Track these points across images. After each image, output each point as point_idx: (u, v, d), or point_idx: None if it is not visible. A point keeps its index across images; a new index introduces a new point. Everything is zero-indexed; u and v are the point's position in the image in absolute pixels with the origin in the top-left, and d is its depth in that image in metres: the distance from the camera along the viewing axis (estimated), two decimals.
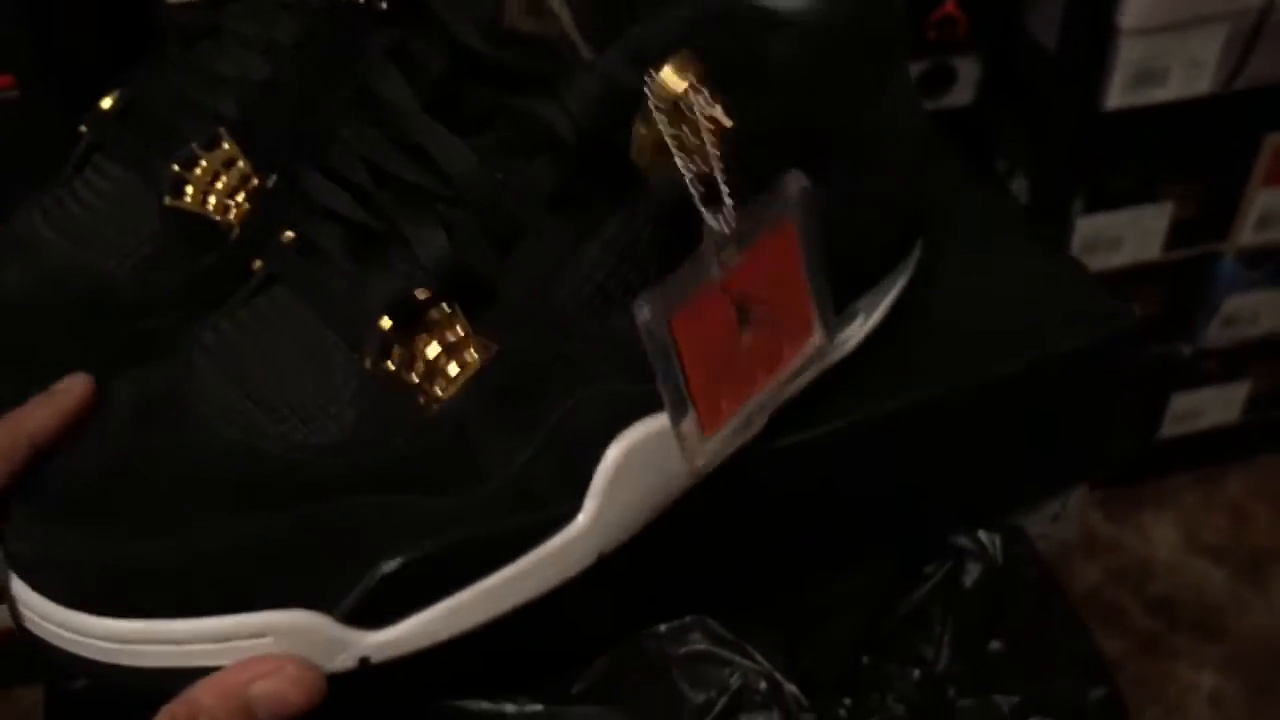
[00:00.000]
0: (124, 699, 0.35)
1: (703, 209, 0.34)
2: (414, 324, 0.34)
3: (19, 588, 0.34)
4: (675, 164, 0.33)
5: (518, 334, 0.35)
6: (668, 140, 0.33)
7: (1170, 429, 1.21)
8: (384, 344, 0.34)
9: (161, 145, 0.41)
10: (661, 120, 0.33)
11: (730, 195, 0.34)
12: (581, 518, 0.37)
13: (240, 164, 0.41)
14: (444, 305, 0.35)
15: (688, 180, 0.34)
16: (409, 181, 0.35)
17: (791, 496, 0.45)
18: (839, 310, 0.42)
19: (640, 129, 0.34)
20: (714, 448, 0.37)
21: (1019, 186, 1.05)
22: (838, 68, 0.38)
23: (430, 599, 0.35)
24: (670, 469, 0.38)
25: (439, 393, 0.35)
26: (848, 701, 0.46)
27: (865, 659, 0.47)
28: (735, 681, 0.42)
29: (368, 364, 0.34)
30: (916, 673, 0.47)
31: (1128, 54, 0.92)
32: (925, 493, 0.48)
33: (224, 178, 0.41)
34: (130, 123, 0.42)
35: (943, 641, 0.47)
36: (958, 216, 0.50)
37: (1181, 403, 1.19)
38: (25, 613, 0.34)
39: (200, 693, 0.33)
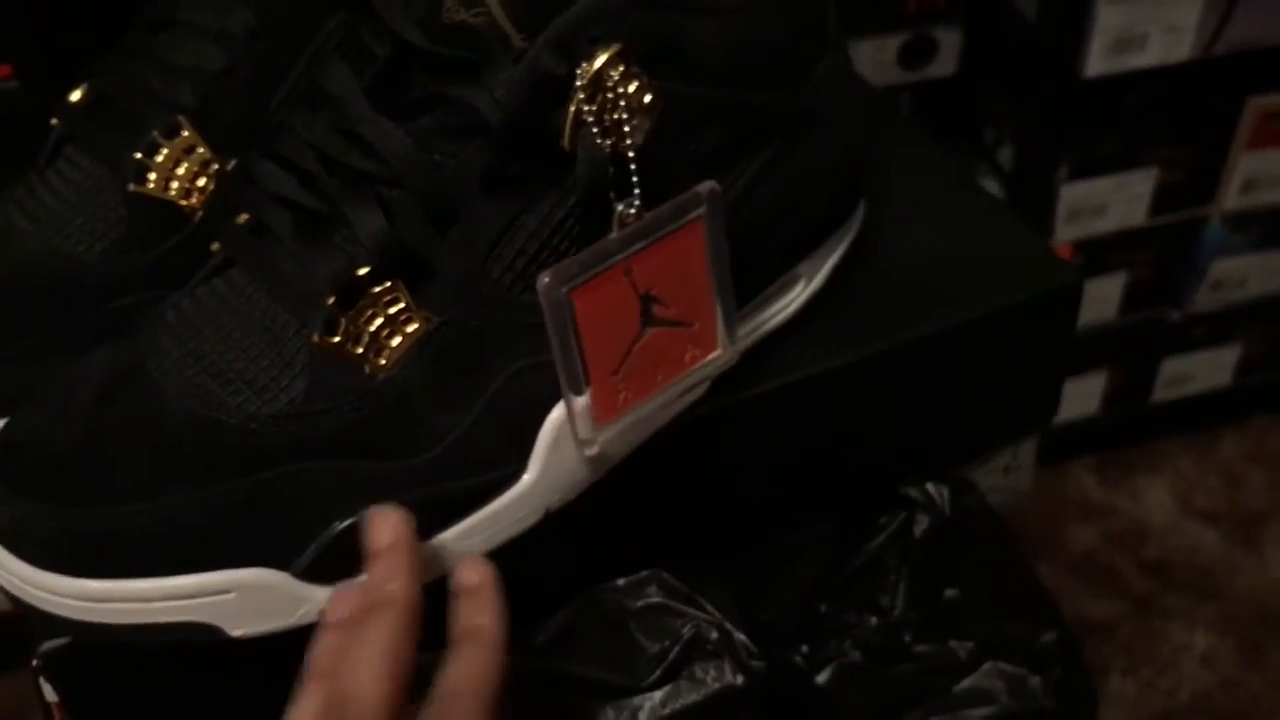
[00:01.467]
0: (107, 651, 0.38)
1: (611, 193, 0.36)
2: (357, 300, 0.36)
3: (2, 556, 0.36)
4: (599, 145, 0.35)
5: (456, 307, 0.37)
6: (586, 118, 0.35)
7: (1162, 393, 1.21)
8: (329, 319, 0.36)
9: (126, 135, 0.43)
10: (581, 100, 0.35)
11: (639, 182, 0.36)
12: (526, 478, 0.39)
13: (200, 150, 0.43)
14: (386, 281, 0.36)
15: (602, 162, 0.36)
16: (352, 167, 0.37)
17: (743, 452, 0.46)
18: (780, 275, 0.44)
19: (568, 111, 0.36)
20: (607, 437, 0.39)
21: (1005, 156, 1.06)
22: (761, 49, 0.40)
23: None
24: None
25: (383, 363, 0.37)
26: (805, 649, 0.48)
27: (823, 607, 0.49)
28: (688, 632, 0.44)
29: (315, 338, 0.36)
30: (873, 620, 0.49)
31: (1106, 20, 0.92)
32: (875, 446, 0.50)
33: (185, 164, 0.43)
34: (97, 114, 0.44)
35: (898, 590, 0.49)
36: (906, 181, 0.51)
37: (1173, 367, 1.19)
38: (8, 578, 0.36)
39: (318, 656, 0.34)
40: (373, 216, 0.36)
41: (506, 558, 0.39)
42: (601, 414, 0.38)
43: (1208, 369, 1.21)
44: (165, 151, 0.42)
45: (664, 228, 0.37)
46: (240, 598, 0.36)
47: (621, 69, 0.35)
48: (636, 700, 0.43)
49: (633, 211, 0.36)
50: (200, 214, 0.43)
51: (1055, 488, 1.21)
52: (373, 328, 0.36)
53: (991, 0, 1.00)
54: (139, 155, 0.42)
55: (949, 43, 0.98)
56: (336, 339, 0.36)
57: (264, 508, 0.36)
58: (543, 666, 0.44)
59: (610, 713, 0.43)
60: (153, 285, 0.42)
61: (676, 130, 0.37)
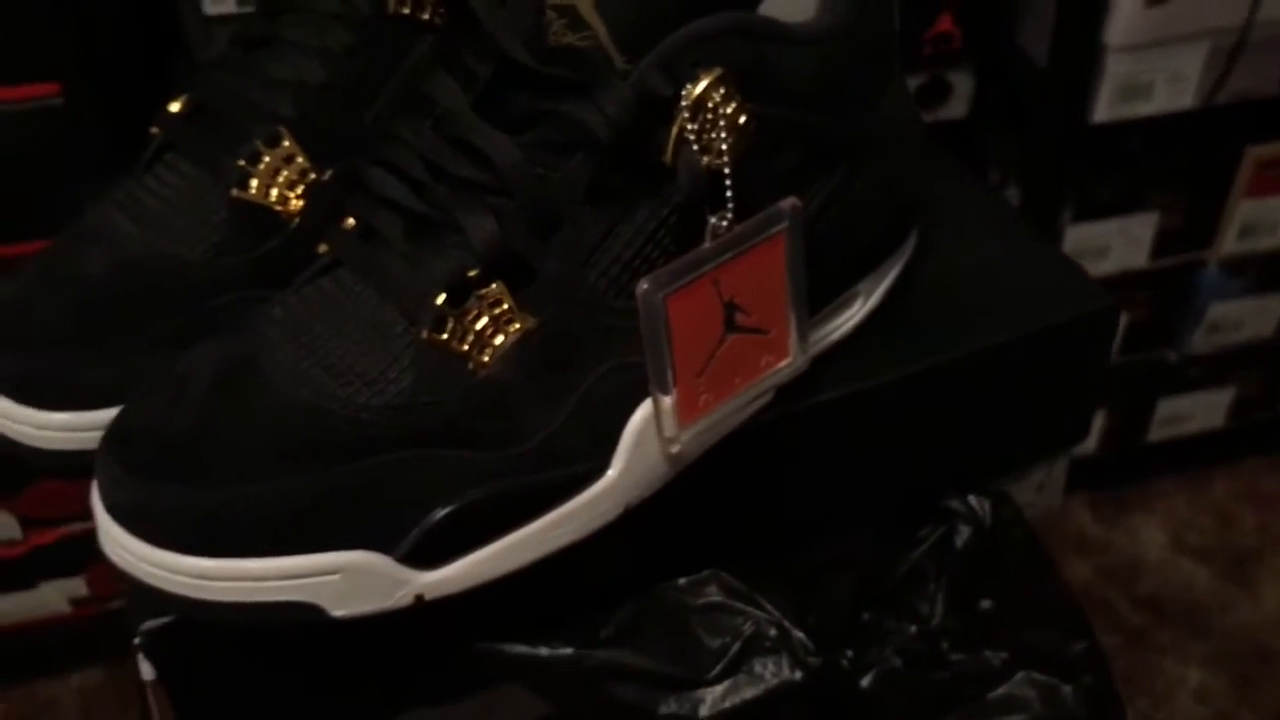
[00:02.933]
0: (206, 631, 0.40)
1: (705, 206, 0.39)
2: (464, 300, 0.39)
3: (119, 534, 0.38)
4: (698, 161, 0.38)
5: (555, 309, 0.39)
6: (689, 135, 0.37)
7: (1158, 433, 1.23)
8: (439, 318, 0.38)
9: (227, 143, 0.45)
10: (685, 119, 0.37)
11: (733, 197, 0.39)
12: (610, 473, 0.41)
13: (299, 159, 0.45)
14: (491, 284, 0.39)
15: (701, 176, 0.38)
16: (460, 175, 0.39)
17: (798, 462, 0.49)
18: (843, 291, 0.47)
19: (671, 129, 0.38)
20: (688, 436, 0.41)
21: (1010, 196, 1.07)
22: (839, 76, 0.42)
23: (477, 543, 0.39)
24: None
25: (486, 360, 0.39)
26: (850, 653, 0.50)
27: (866, 615, 0.51)
28: (748, 629, 0.46)
29: (424, 335, 0.38)
30: (913, 628, 0.51)
31: (1114, 69, 0.95)
32: (920, 459, 0.52)
33: (284, 172, 0.45)
34: (198, 123, 0.46)
35: (937, 599, 0.51)
36: (950, 209, 0.54)
37: (1168, 407, 1.21)
38: (124, 556, 0.38)
39: None
40: (484, 222, 0.38)
41: (581, 553, 0.42)
42: (685, 414, 0.40)
43: (1203, 410, 1.23)
44: (267, 159, 0.45)
45: (751, 240, 0.40)
46: (345, 579, 0.38)
47: (722, 91, 0.37)
48: (698, 693, 0.45)
49: (725, 224, 0.39)
50: (297, 219, 0.45)
51: (1052, 523, 1.23)
52: (478, 326, 0.39)
53: (1003, 46, 1.03)
54: (242, 162, 0.45)
55: (962, 86, 1.00)
56: (444, 336, 0.38)
57: (370, 494, 0.38)
58: (609, 658, 0.46)
59: (674, 704, 0.45)
60: (250, 286, 0.44)
61: (764, 149, 0.40)
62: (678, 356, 0.39)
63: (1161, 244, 1.10)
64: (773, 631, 0.46)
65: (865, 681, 0.50)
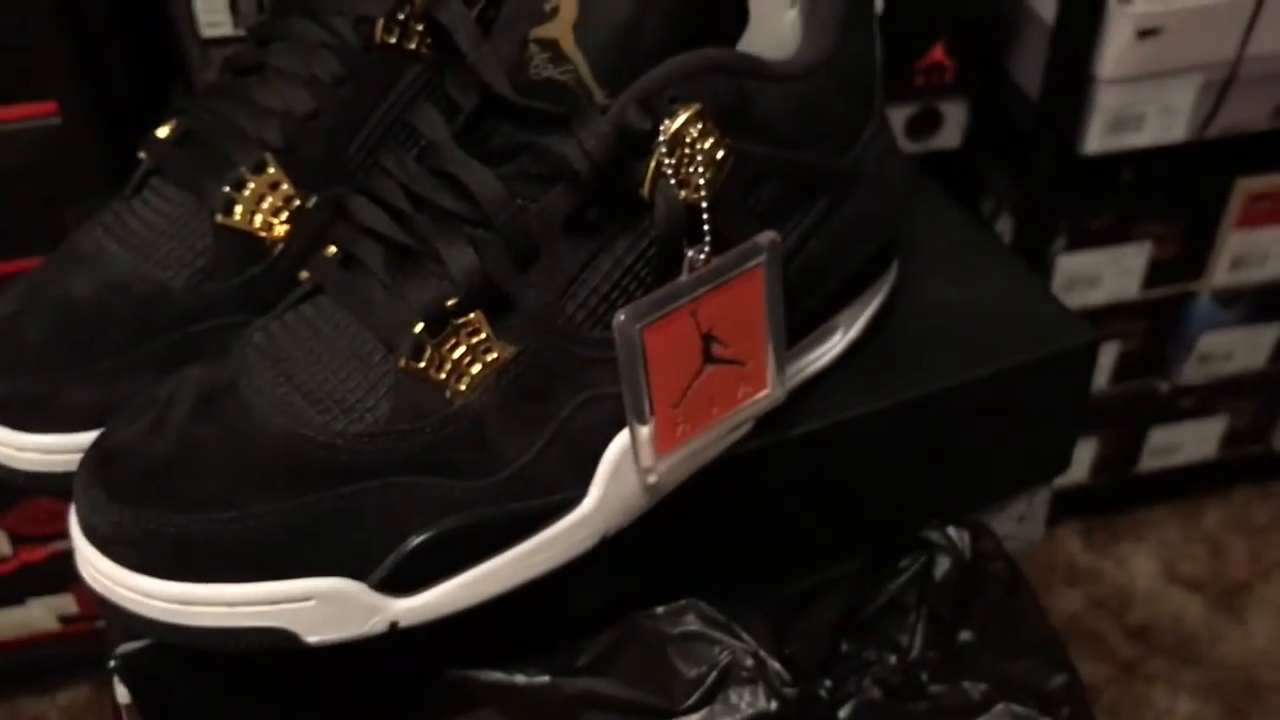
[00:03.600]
0: (181, 656, 0.40)
1: (683, 239, 0.39)
2: (443, 329, 0.39)
3: (95, 558, 0.38)
4: (675, 195, 0.38)
5: (532, 339, 0.40)
6: (666, 170, 0.38)
7: (1149, 463, 1.23)
8: (417, 346, 0.39)
9: (213, 169, 0.46)
10: (663, 154, 0.38)
11: (711, 230, 0.39)
12: (586, 502, 0.41)
13: (284, 186, 0.46)
14: (470, 313, 0.39)
15: (678, 210, 0.39)
16: (442, 206, 0.39)
17: (775, 494, 0.49)
18: (822, 323, 0.47)
19: (649, 163, 0.39)
20: (664, 466, 0.42)
21: (1004, 226, 1.08)
22: (820, 112, 0.43)
23: (452, 570, 0.40)
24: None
25: (463, 388, 0.39)
26: (828, 684, 0.50)
27: (845, 645, 0.51)
28: (724, 659, 0.46)
29: (402, 363, 0.39)
30: (892, 658, 0.51)
31: (1105, 101, 0.95)
32: (899, 491, 0.52)
33: (269, 198, 0.45)
34: (185, 149, 0.47)
35: (916, 630, 0.51)
36: (931, 240, 0.54)
37: (1160, 437, 1.22)
38: (100, 580, 0.38)
39: None
40: (464, 253, 0.38)
41: (556, 582, 0.42)
42: (662, 443, 0.41)
43: (1194, 440, 1.23)
44: (252, 186, 0.45)
45: (729, 273, 0.40)
46: (319, 606, 0.38)
47: (700, 127, 0.38)
48: None
49: (702, 257, 0.39)
50: (281, 246, 0.45)
51: (1042, 552, 1.23)
52: (456, 355, 0.39)
53: (996, 78, 1.03)
54: (227, 189, 0.45)
55: (954, 116, 1.01)
56: (422, 364, 0.39)
57: (344, 521, 0.38)
58: (585, 686, 0.46)
59: None
60: (234, 311, 0.45)
61: (742, 184, 0.40)
62: (655, 387, 0.40)
63: (1153, 274, 1.10)
64: (749, 661, 0.46)
65: (844, 712, 0.50)
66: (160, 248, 0.45)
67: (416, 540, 0.39)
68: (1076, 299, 1.08)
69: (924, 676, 0.51)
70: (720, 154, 0.39)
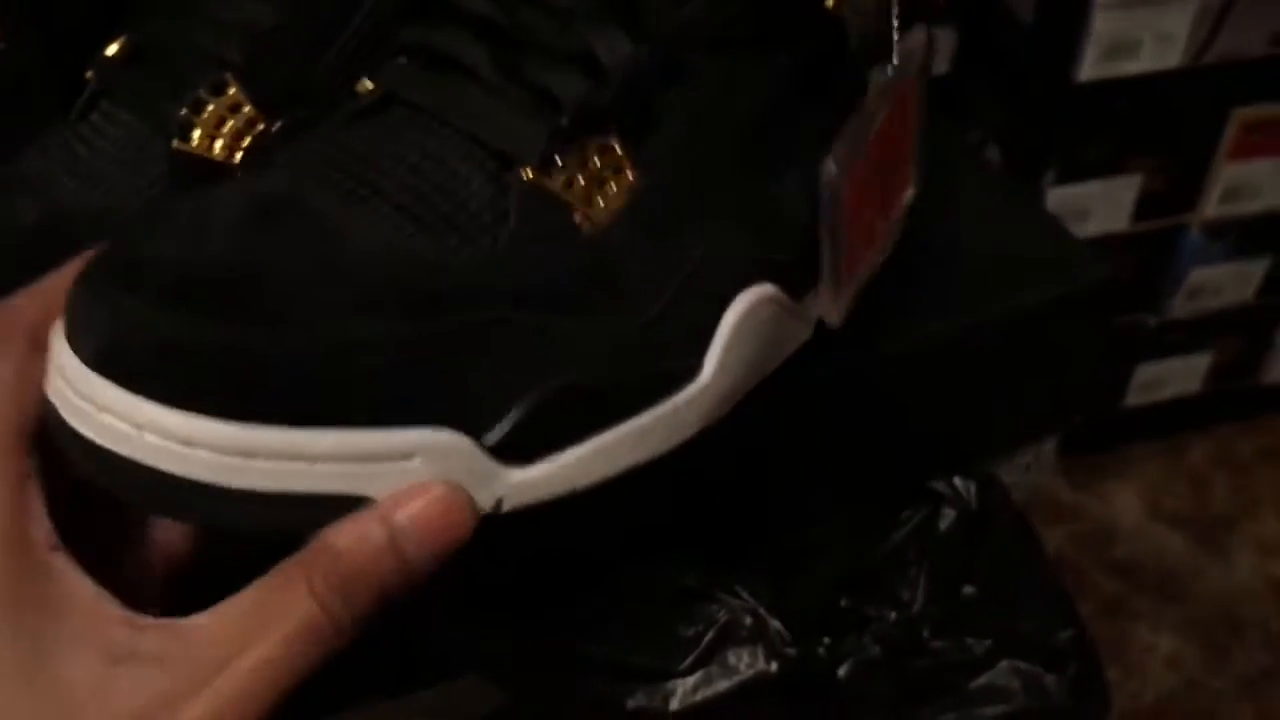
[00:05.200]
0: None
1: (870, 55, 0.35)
2: (576, 143, 0.33)
3: (112, 396, 0.28)
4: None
5: (673, 171, 0.34)
6: None
7: (1134, 398, 1.23)
8: (545, 157, 0.32)
9: (168, 91, 0.42)
10: None
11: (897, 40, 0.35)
12: (703, 376, 0.35)
13: (246, 109, 0.42)
14: (607, 128, 0.33)
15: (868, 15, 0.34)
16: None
17: (774, 443, 0.46)
18: None
19: None
20: (845, 301, 0.38)
21: (991, 156, 1.07)
22: None
23: (574, 437, 0.32)
24: (768, 344, 0.37)
25: (593, 214, 0.33)
26: (826, 641, 0.48)
27: (845, 600, 0.49)
28: (723, 617, 0.44)
29: (527, 176, 0.32)
30: (893, 614, 0.49)
31: (1101, 26, 0.93)
32: (904, 440, 0.50)
33: (230, 121, 0.42)
34: (137, 69, 0.43)
35: (918, 584, 0.49)
36: (940, 177, 0.51)
37: (1146, 373, 1.21)
38: (117, 427, 0.28)
39: (334, 535, 0.29)
40: (617, 43, 0.32)
41: (542, 533, 0.38)
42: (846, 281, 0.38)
43: (1180, 375, 1.23)
44: (211, 108, 0.41)
45: (896, 91, 0.36)
46: (425, 467, 0.29)
47: None
48: (669, 685, 0.43)
49: (890, 73, 0.35)
50: (241, 174, 0.42)
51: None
52: (589, 172, 0.33)
53: (987, 3, 1.01)
54: (184, 111, 0.41)
55: (943, 43, 0.99)
56: (549, 180, 0.33)
57: (461, 359, 0.30)
58: (573, 648, 0.43)
59: (642, 696, 0.43)
60: None
61: None
62: (851, 235, 0.36)
63: (1143, 207, 1.09)
64: (748, 620, 0.44)
65: (843, 671, 0.48)
66: (110, 175, 0.42)
67: (548, 389, 0.31)
68: None
69: (925, 632, 0.49)
70: None
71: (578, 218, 0.33)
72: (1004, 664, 0.49)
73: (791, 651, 0.44)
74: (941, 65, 1.00)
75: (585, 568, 0.44)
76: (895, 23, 0.35)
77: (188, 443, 0.27)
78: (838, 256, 0.36)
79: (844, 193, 0.34)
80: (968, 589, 0.50)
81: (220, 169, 0.42)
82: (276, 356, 0.28)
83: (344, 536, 0.29)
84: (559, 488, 0.32)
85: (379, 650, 0.42)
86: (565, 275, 0.32)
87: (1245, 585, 1.17)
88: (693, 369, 0.35)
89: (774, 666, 0.43)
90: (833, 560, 0.49)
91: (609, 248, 0.33)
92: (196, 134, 0.41)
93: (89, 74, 0.44)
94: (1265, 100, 1.06)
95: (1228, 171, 1.09)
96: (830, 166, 0.34)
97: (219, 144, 0.42)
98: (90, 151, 0.42)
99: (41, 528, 0.30)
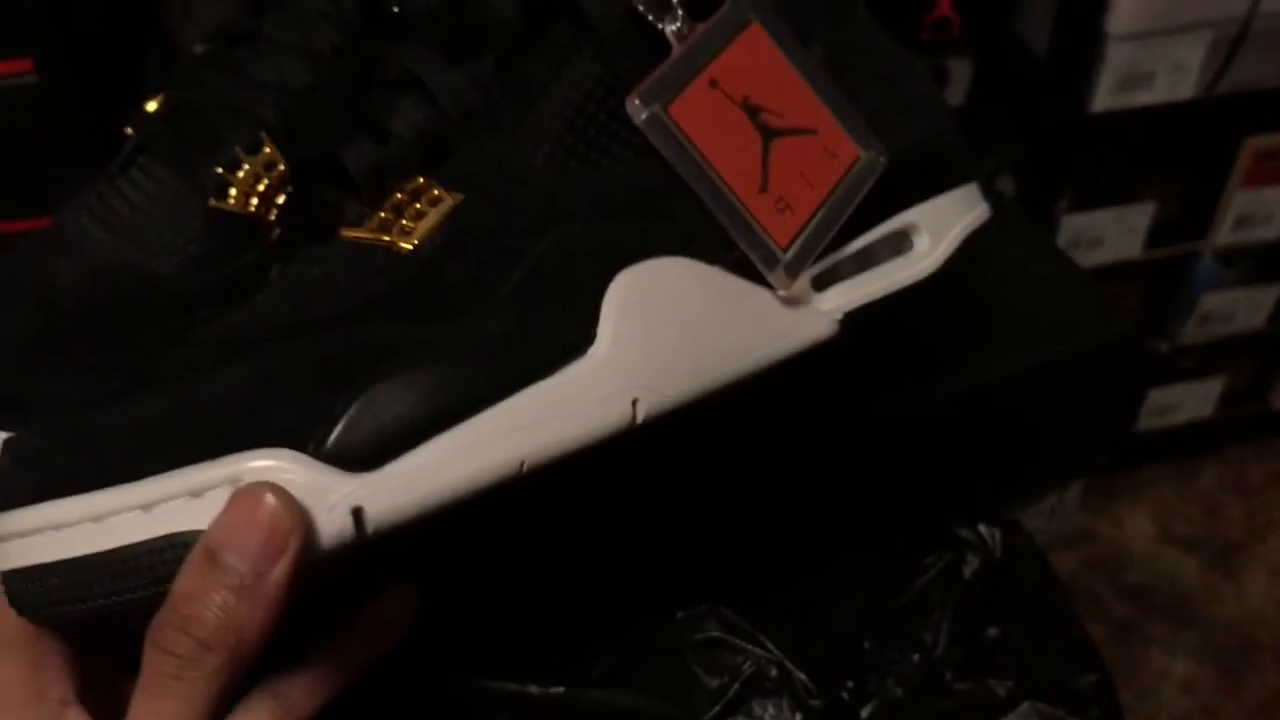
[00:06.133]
0: None
1: (650, 15, 0.34)
2: (385, 187, 0.35)
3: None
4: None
5: (483, 183, 0.35)
6: None
7: (1147, 423, 1.23)
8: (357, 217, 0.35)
9: (205, 148, 0.42)
10: None
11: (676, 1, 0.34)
12: (598, 346, 0.33)
13: (280, 167, 0.42)
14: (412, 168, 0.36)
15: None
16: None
17: (801, 488, 0.47)
18: (886, 215, 0.40)
19: None
20: (792, 256, 0.35)
21: (1005, 185, 1.07)
22: None
23: (427, 431, 0.30)
24: (714, 322, 0.35)
25: (415, 235, 0.34)
26: (850, 684, 0.48)
27: (868, 643, 0.49)
28: (748, 668, 0.45)
29: (342, 235, 0.35)
30: (916, 657, 0.49)
31: (1115, 58, 0.94)
32: (929, 486, 0.50)
33: (265, 180, 0.42)
34: (175, 125, 0.44)
35: (941, 628, 0.49)
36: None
37: (1158, 397, 1.22)
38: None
39: (178, 583, 0.29)
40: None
41: (574, 582, 0.39)
42: (778, 236, 0.35)
43: (1192, 400, 1.23)
44: (247, 167, 0.42)
45: (725, 36, 0.35)
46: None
47: None
48: None
49: (675, 26, 0.34)
50: (278, 231, 0.42)
51: None
52: (396, 211, 0.35)
53: (1002, 33, 1.01)
54: (220, 170, 0.42)
55: (960, 73, 0.99)
56: (361, 231, 0.35)
57: (283, 378, 0.31)
58: (602, 697, 0.44)
59: None
60: (225, 301, 0.42)
61: None
62: (723, 171, 0.33)
63: (1156, 234, 1.10)
64: (774, 672, 0.44)
65: (866, 712, 0.49)
66: (147, 232, 0.42)
67: (376, 391, 0.30)
68: (1079, 259, 1.07)
69: (948, 674, 0.50)
70: None
71: (397, 245, 0.34)
72: (1025, 705, 0.50)
73: (817, 703, 0.44)
74: (958, 95, 1.01)
75: (610, 618, 0.45)
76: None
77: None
78: (715, 191, 0.34)
79: (673, 125, 0.33)
80: (991, 632, 0.50)
81: (256, 226, 0.42)
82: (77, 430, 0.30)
83: (179, 575, 0.29)
84: (428, 487, 0.30)
85: (405, 696, 0.42)
86: (388, 289, 0.33)
87: (1258, 609, 1.17)
88: (581, 341, 0.33)
89: (799, 718, 0.44)
90: (857, 605, 0.50)
91: (432, 260, 0.33)
92: (233, 192, 0.42)
93: (128, 129, 0.44)
94: (1277, 129, 1.06)
95: (1240, 199, 1.09)
96: (634, 103, 0.33)
97: (254, 201, 0.42)
98: (129, 207, 0.43)
99: (58, 684, 0.32)
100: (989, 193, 0.46)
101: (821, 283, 0.38)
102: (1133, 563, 1.21)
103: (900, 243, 0.40)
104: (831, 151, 0.37)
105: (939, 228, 0.40)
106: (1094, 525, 1.24)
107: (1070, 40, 0.95)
